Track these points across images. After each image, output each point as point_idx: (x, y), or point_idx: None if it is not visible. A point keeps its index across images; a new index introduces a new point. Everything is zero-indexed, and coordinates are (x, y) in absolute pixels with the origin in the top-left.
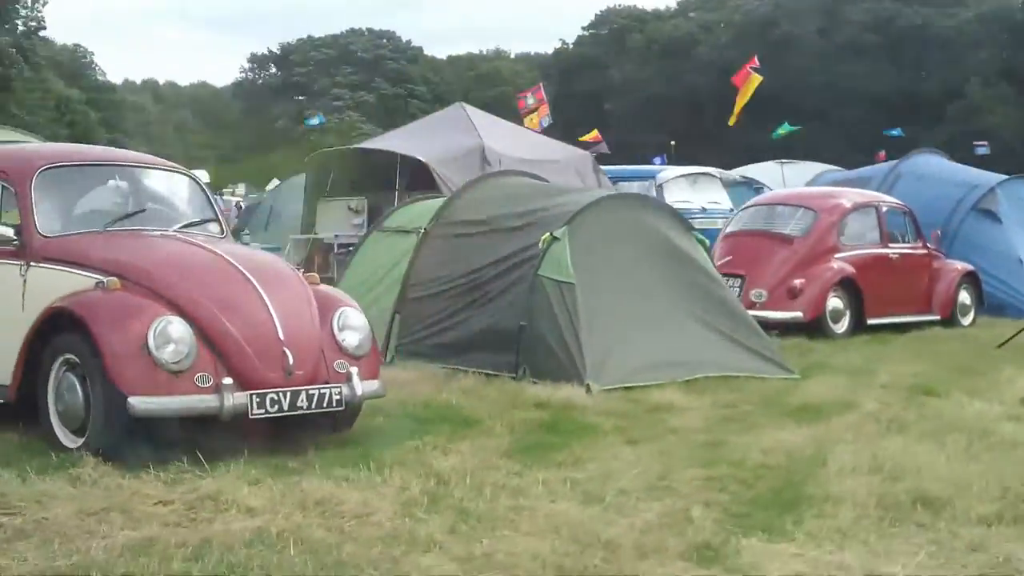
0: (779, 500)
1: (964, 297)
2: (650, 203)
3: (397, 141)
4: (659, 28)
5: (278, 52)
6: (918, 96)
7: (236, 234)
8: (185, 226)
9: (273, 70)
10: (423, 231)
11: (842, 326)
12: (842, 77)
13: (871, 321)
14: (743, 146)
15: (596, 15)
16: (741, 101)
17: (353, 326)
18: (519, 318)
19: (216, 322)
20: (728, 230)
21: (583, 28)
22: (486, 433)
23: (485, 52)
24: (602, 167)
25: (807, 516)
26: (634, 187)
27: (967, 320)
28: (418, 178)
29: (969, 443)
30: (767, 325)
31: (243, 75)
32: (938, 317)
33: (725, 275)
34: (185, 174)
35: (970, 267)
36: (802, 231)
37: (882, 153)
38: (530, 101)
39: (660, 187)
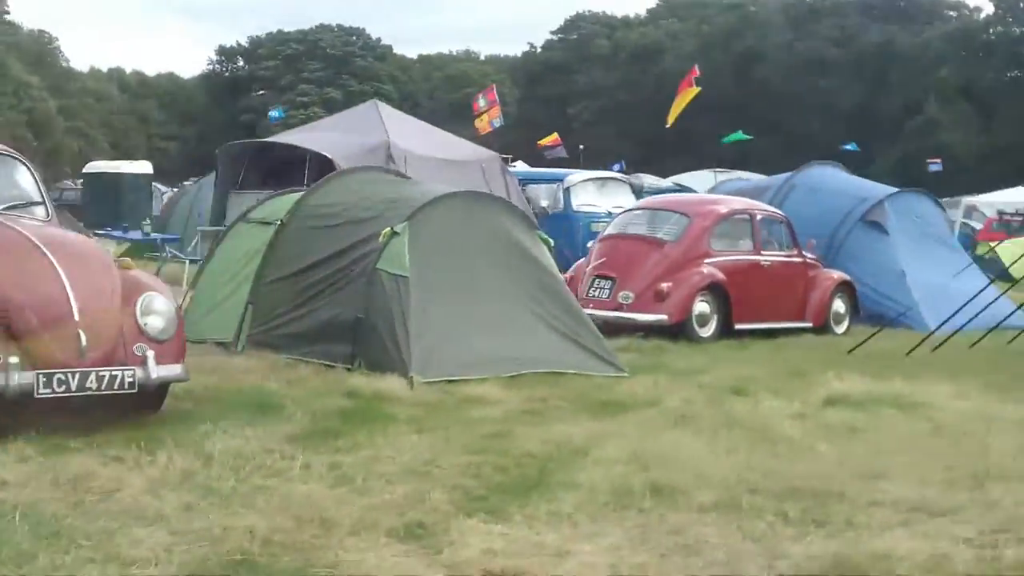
0: (521, 486)
1: (838, 306)
2: (495, 201)
3: (307, 136)
4: (627, 35)
5: (246, 45)
6: (878, 111)
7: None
8: (8, 207)
9: (241, 63)
10: (280, 223)
11: (708, 330)
12: (806, 90)
13: (739, 326)
14: (705, 154)
15: (565, 20)
16: (676, 109)
17: (157, 311)
18: (358, 310)
19: (5, 301)
20: (604, 233)
21: (552, 32)
22: (285, 419)
23: (455, 53)
24: (513, 169)
25: (536, 501)
26: (542, 190)
27: (841, 328)
28: (326, 173)
29: (742, 439)
30: (633, 327)
31: (211, 67)
32: (811, 324)
33: (598, 277)
34: (15, 158)
35: (846, 276)
36: (674, 236)
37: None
38: (482, 103)
39: (567, 190)
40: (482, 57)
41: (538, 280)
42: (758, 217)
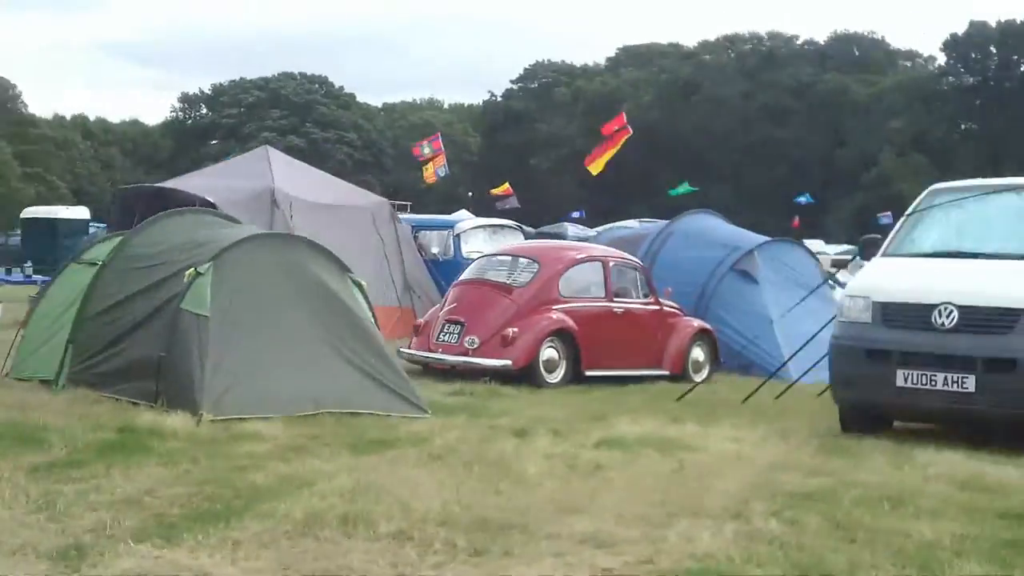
0: (219, 514)
1: (697, 353)
2: (304, 244)
3: (198, 181)
4: (587, 84)
5: (209, 92)
6: (835, 162)
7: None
8: None
9: (204, 110)
10: (101, 263)
11: (556, 376)
12: (763, 140)
13: (589, 373)
14: (666, 204)
15: (525, 68)
16: (607, 155)
17: None
18: (162, 349)
19: None
20: (460, 278)
21: (511, 81)
22: (41, 451)
23: (419, 101)
24: (406, 216)
25: (220, 528)
26: (433, 236)
27: (700, 376)
28: None
29: (476, 475)
30: (479, 371)
31: (174, 114)
32: (668, 372)
33: (448, 322)
34: None
35: (705, 325)
36: (524, 282)
37: (796, 220)
38: (426, 150)
39: (457, 237)
40: (446, 105)
41: (345, 321)
42: (611, 264)
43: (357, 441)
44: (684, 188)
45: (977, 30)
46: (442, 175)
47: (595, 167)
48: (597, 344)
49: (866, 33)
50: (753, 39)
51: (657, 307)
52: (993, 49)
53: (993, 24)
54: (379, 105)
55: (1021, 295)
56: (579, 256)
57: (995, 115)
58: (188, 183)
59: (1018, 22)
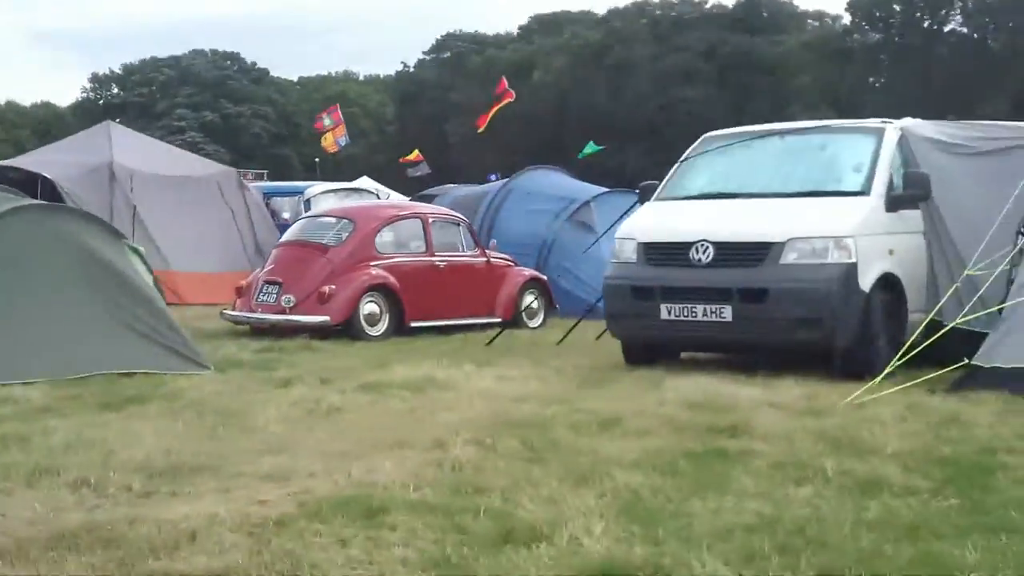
0: None
1: (531, 301)
2: (73, 214)
3: (37, 158)
4: (498, 53)
5: (119, 72)
6: (745, 119)
7: None
8: None
9: (115, 90)
10: None
11: (379, 329)
12: (673, 101)
13: (414, 324)
14: (577, 165)
15: (436, 39)
16: (488, 116)
17: None
18: None
19: None
20: (279, 240)
21: (424, 52)
22: None
23: (334, 74)
24: (260, 183)
25: None
26: (284, 201)
27: (535, 322)
28: (55, 195)
29: (203, 424)
30: (297, 329)
31: (85, 95)
32: (501, 320)
33: (267, 282)
34: None
35: (537, 274)
36: (340, 241)
37: None
38: (327, 121)
39: (307, 201)
40: (361, 78)
41: (119, 286)
42: (431, 220)
43: (112, 399)
44: (591, 148)
45: None
46: (343, 144)
47: (481, 124)
48: (420, 297)
49: None
50: (663, 5)
51: (484, 259)
52: (896, 7)
53: None
54: (294, 80)
55: (770, 230)
56: (394, 214)
57: (900, 69)
58: (27, 160)
59: None
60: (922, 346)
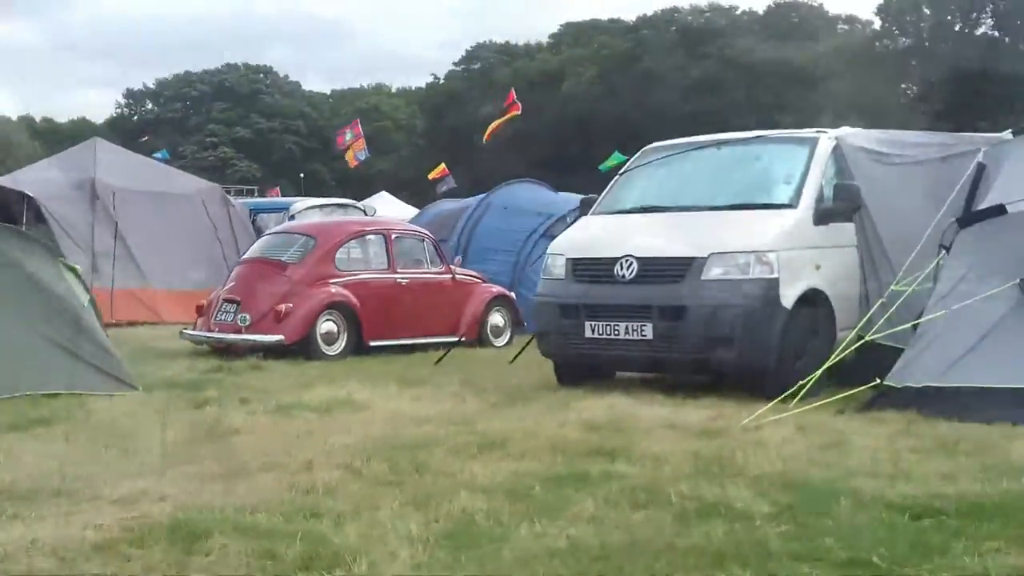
0: None
1: (496, 319)
2: (8, 233)
3: (22, 176)
4: (527, 64)
5: (153, 87)
6: (775, 127)
7: None
8: None
9: (149, 106)
10: None
11: (337, 348)
12: (700, 111)
13: (374, 343)
14: (600, 178)
15: (467, 51)
16: (494, 127)
17: None
18: None
19: None
20: (241, 258)
21: (454, 64)
22: None
23: (366, 86)
24: (246, 199)
25: None
26: (270, 218)
27: (501, 341)
28: (38, 213)
29: (76, 441)
30: (252, 348)
31: (119, 111)
32: (465, 338)
33: (226, 301)
34: None
35: (504, 291)
36: (299, 258)
37: None
38: (348, 136)
39: (292, 217)
40: (393, 90)
41: (50, 305)
42: (394, 236)
43: (21, 420)
44: (615, 158)
45: None
46: (362, 158)
47: (486, 135)
48: (380, 315)
49: (804, 1)
50: (693, 12)
51: (449, 276)
52: (927, 11)
53: None
54: (327, 92)
55: (692, 245)
56: (356, 230)
57: (930, 75)
58: (10, 178)
59: None
60: (829, 362)
